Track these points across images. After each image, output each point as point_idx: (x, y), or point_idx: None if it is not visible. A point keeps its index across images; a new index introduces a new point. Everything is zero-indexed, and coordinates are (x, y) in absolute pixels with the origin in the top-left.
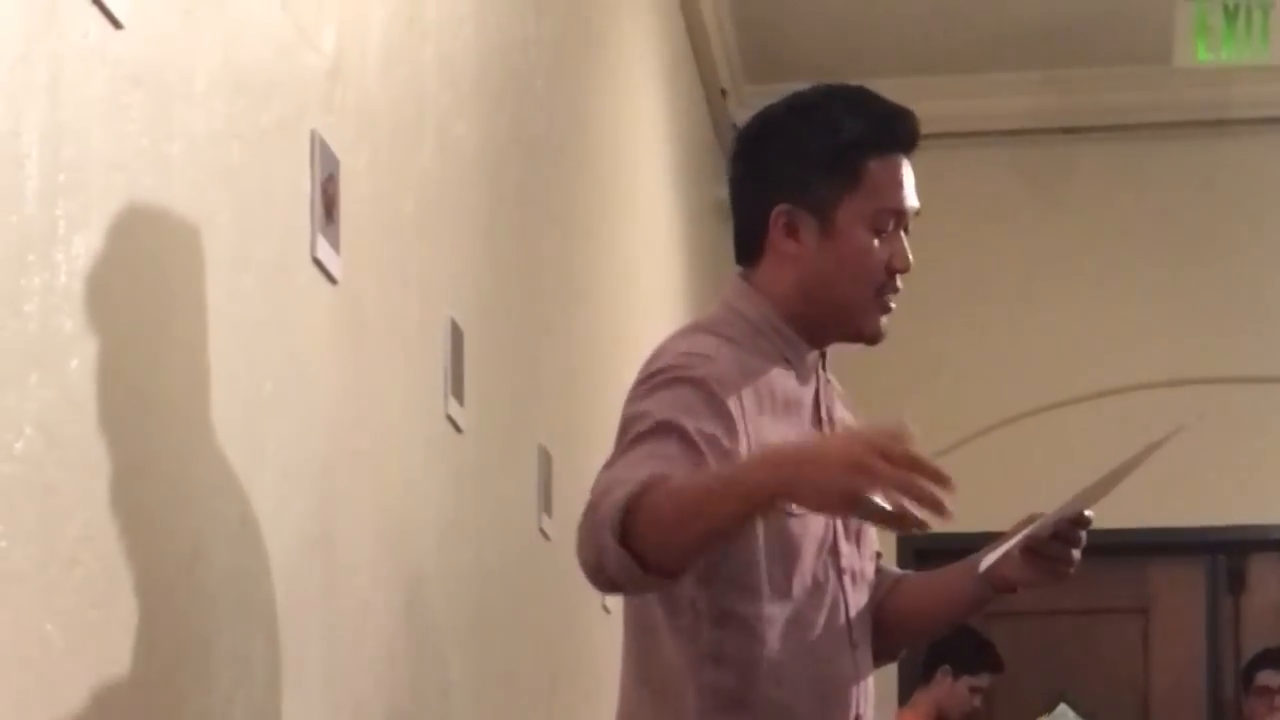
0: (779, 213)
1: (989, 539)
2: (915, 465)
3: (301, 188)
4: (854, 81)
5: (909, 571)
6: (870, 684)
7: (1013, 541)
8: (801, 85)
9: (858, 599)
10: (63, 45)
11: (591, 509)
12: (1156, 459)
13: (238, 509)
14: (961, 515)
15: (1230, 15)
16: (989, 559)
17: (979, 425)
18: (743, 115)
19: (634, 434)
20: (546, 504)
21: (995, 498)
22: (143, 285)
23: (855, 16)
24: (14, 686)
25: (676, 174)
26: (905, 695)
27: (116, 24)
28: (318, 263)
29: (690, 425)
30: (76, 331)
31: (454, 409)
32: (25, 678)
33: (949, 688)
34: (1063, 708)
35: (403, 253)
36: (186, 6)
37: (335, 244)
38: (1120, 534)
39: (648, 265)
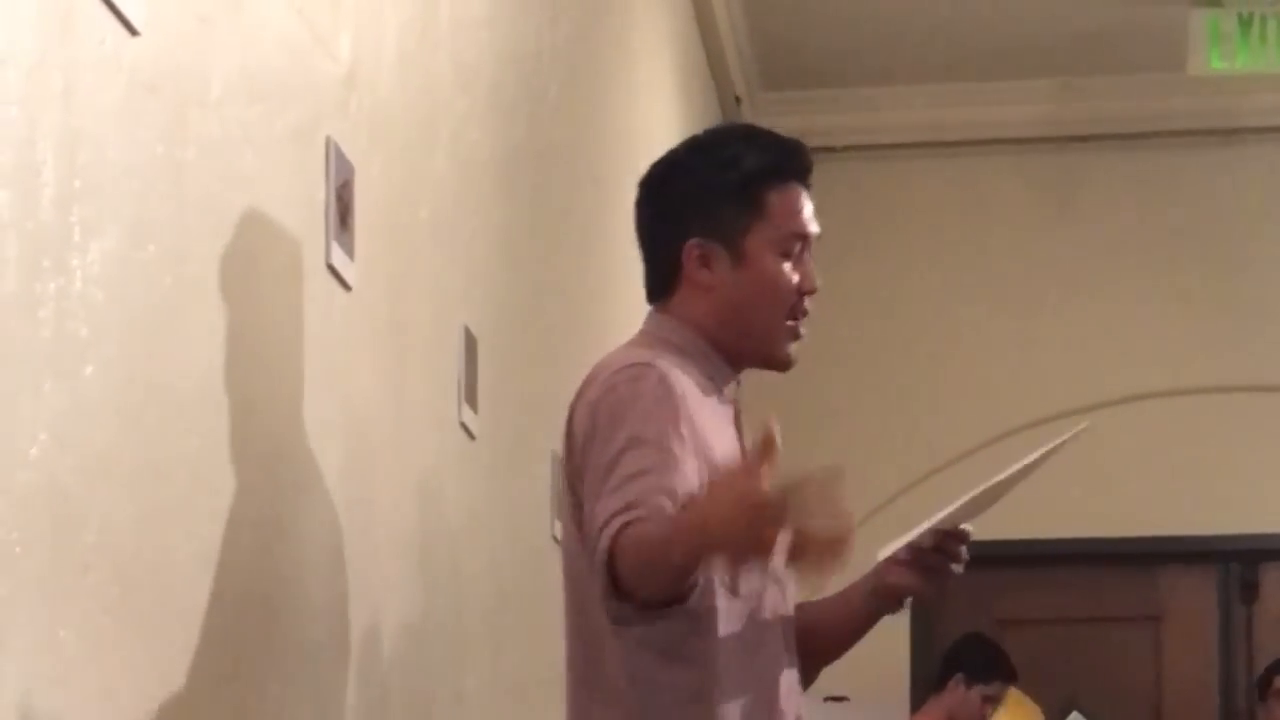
0: (692, 246)
1: (999, 546)
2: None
3: (316, 194)
4: (868, 89)
5: (804, 600)
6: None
7: (912, 535)
8: (815, 92)
9: (788, 604)
10: (78, 52)
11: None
12: (1166, 467)
13: (251, 515)
14: (973, 522)
15: (1244, 24)
16: (888, 550)
17: (986, 435)
18: (757, 122)
19: (606, 462)
20: (559, 510)
21: (1006, 505)
22: (157, 291)
23: (868, 24)
24: (27, 691)
25: None
26: (917, 703)
27: (132, 31)
28: (332, 269)
29: (652, 432)
30: (91, 337)
31: (467, 415)
32: (38, 682)
33: (962, 696)
34: (1075, 716)
35: (417, 259)
36: (202, 14)
37: (350, 251)
38: (1132, 542)
39: None
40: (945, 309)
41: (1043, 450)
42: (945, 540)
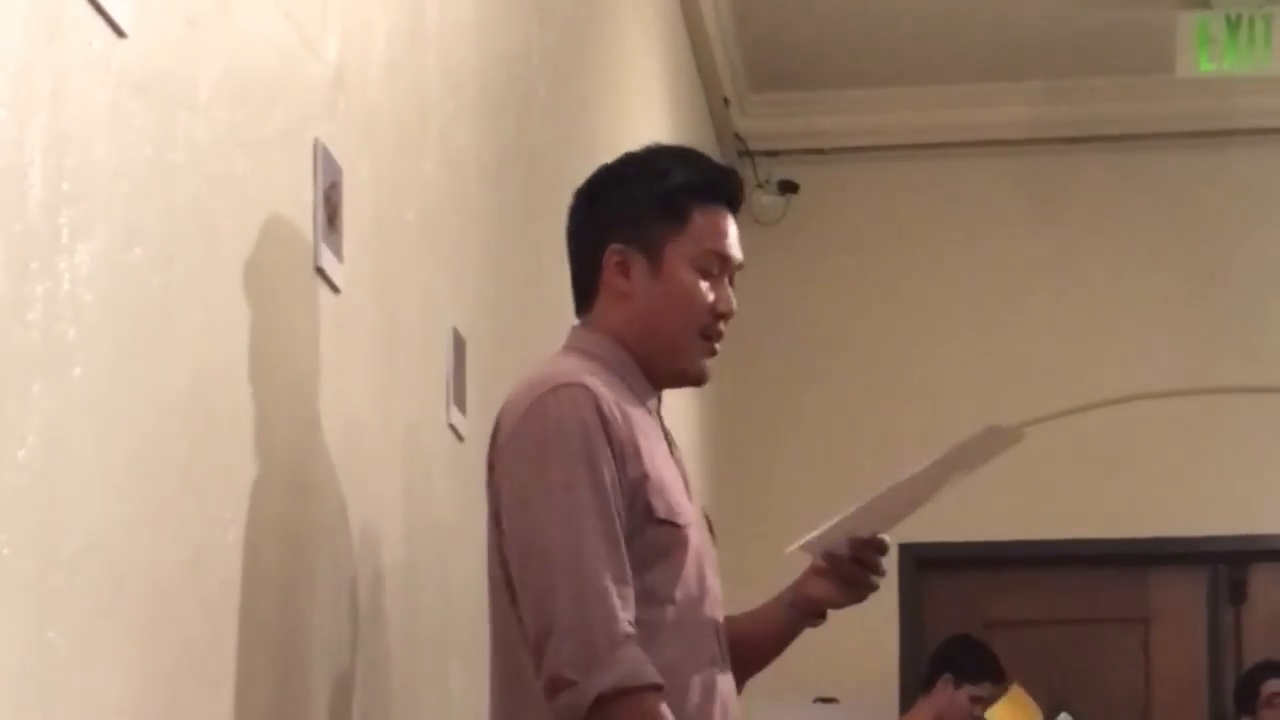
0: (612, 251)
1: (988, 547)
2: None
3: (304, 196)
4: (857, 91)
5: (728, 614)
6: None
7: (819, 531)
8: (803, 94)
9: (719, 614)
10: (66, 54)
11: (566, 663)
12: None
13: (241, 518)
14: (962, 524)
15: (1232, 26)
16: (794, 546)
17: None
18: (746, 124)
19: (542, 511)
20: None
21: (995, 507)
22: (146, 294)
23: (858, 26)
24: (16, 694)
25: None
26: (906, 704)
27: (120, 33)
28: (320, 271)
29: (586, 476)
30: (79, 340)
31: (456, 418)
32: (27, 686)
33: (950, 697)
34: (1064, 717)
35: (405, 261)
36: (190, 16)
37: (338, 253)
38: (1121, 544)
39: None
40: (935, 310)
41: (953, 447)
42: (862, 549)
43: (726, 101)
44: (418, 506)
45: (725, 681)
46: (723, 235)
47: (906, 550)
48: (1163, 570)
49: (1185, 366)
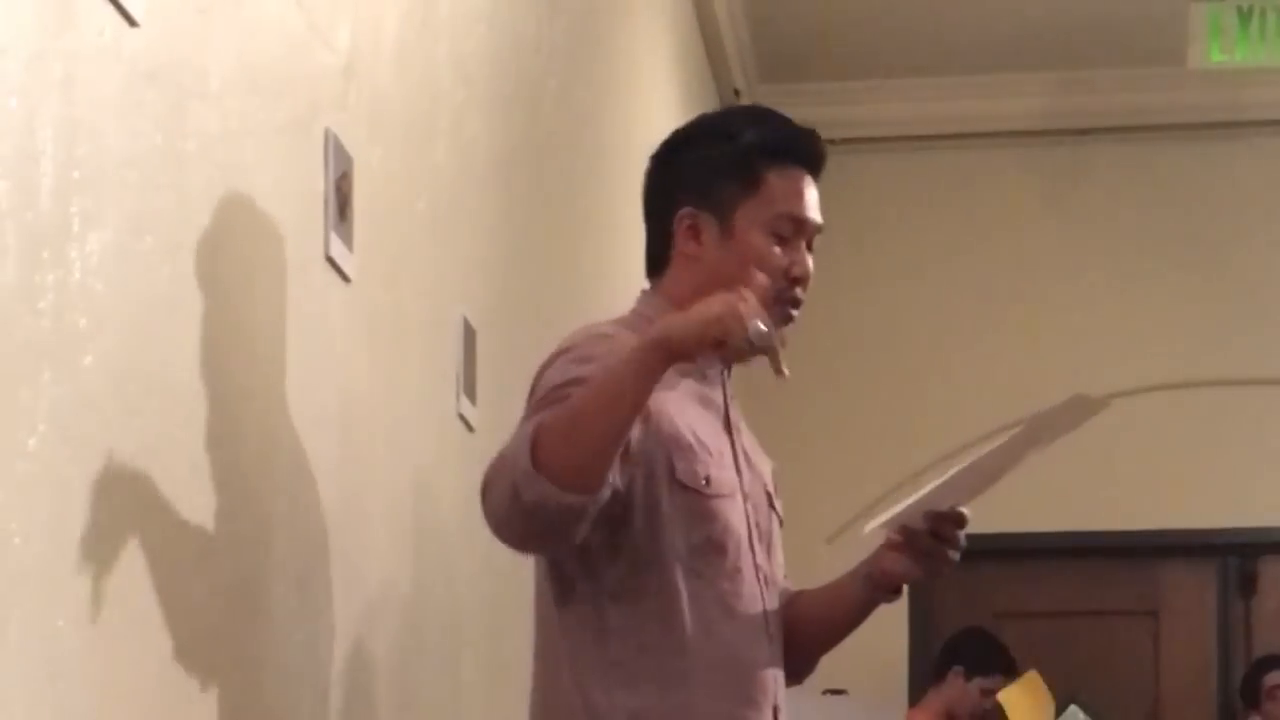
0: (683, 215)
1: (998, 539)
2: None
3: (315, 186)
4: (867, 82)
5: (803, 589)
6: (783, 681)
7: (899, 508)
8: (814, 85)
9: (771, 598)
10: (78, 42)
11: (494, 466)
12: (1164, 461)
13: (251, 507)
14: (972, 516)
15: (1244, 17)
16: (874, 523)
17: (987, 426)
18: None
19: (533, 404)
20: None
21: (1005, 499)
22: (156, 283)
23: (868, 17)
24: (25, 681)
25: None
26: (915, 696)
27: (132, 21)
28: (331, 261)
29: (599, 353)
30: (90, 329)
31: (465, 407)
32: (36, 673)
33: (961, 688)
34: (1073, 709)
35: (416, 251)
36: (201, 5)
37: (349, 242)
38: (1131, 536)
39: None
40: (944, 302)
41: (1037, 415)
42: (940, 523)
43: (737, 92)
44: (427, 496)
45: (770, 669)
46: (798, 197)
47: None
48: (1172, 563)
49: (1195, 357)
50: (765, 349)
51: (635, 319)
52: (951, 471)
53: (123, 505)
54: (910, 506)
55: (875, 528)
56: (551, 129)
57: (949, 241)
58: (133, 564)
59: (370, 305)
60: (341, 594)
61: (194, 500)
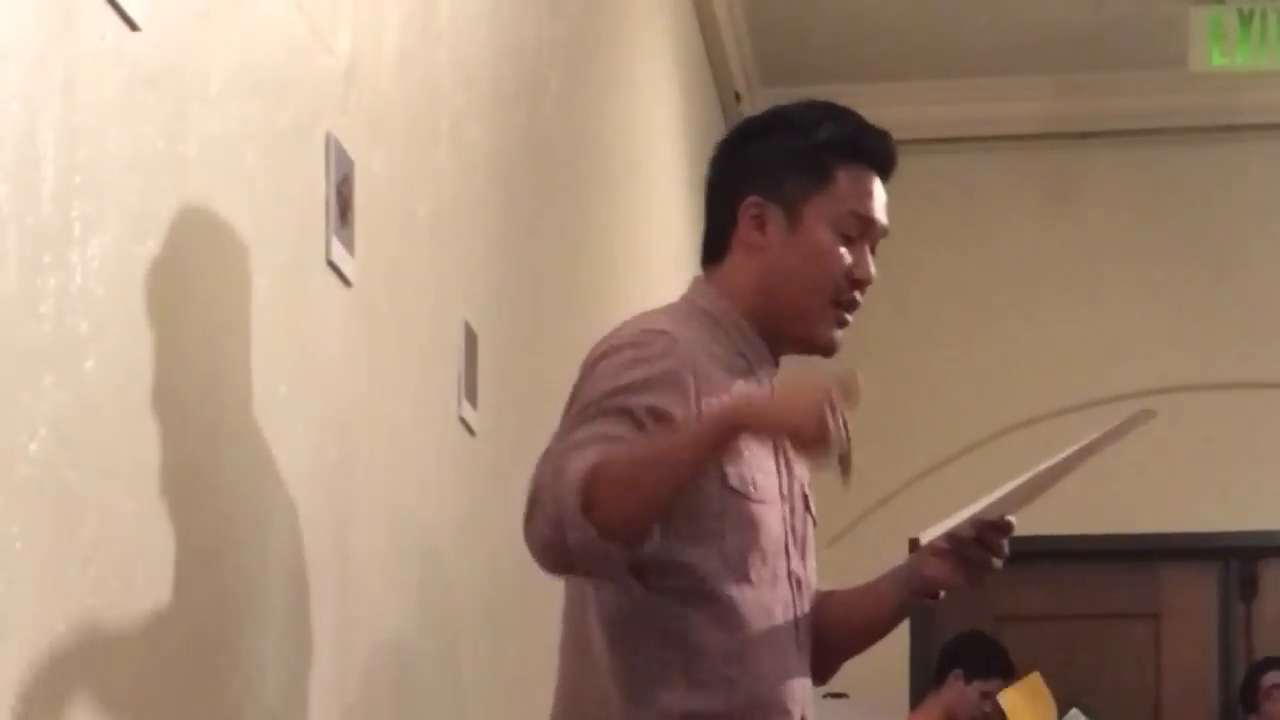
0: (749, 204)
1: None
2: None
3: (316, 190)
4: (868, 85)
5: (835, 589)
6: (810, 688)
7: (955, 520)
8: (814, 88)
9: (803, 603)
10: (79, 47)
11: (546, 486)
12: (1166, 464)
13: (251, 511)
14: None
15: (1245, 20)
16: (931, 533)
17: (989, 430)
18: None
19: (580, 409)
20: None
21: None
22: (157, 287)
23: (869, 20)
24: (26, 686)
25: (690, 176)
26: (916, 699)
27: (133, 26)
28: (332, 265)
29: (637, 403)
30: (91, 333)
31: (467, 411)
32: (37, 676)
33: (960, 692)
34: (1074, 713)
35: (417, 255)
36: (202, 9)
37: (350, 246)
38: (1132, 539)
39: (661, 267)
40: (945, 305)
41: (1098, 435)
42: (987, 531)
43: (738, 95)
44: (429, 500)
45: (798, 677)
46: (868, 197)
47: (916, 545)
48: (1174, 566)
49: (1196, 360)
50: (840, 456)
51: (689, 308)
52: (1012, 484)
53: (124, 509)
54: (968, 520)
55: (936, 538)
56: (552, 132)
57: (950, 245)
58: (134, 568)
59: (371, 309)
60: (343, 596)
61: (195, 503)
